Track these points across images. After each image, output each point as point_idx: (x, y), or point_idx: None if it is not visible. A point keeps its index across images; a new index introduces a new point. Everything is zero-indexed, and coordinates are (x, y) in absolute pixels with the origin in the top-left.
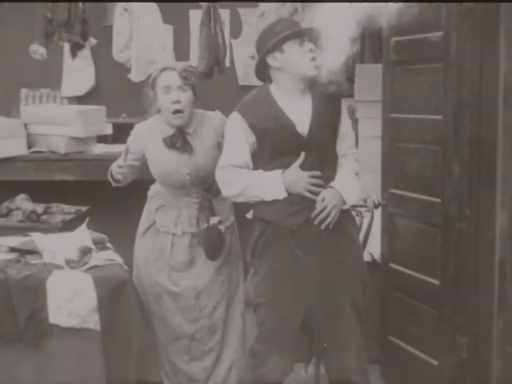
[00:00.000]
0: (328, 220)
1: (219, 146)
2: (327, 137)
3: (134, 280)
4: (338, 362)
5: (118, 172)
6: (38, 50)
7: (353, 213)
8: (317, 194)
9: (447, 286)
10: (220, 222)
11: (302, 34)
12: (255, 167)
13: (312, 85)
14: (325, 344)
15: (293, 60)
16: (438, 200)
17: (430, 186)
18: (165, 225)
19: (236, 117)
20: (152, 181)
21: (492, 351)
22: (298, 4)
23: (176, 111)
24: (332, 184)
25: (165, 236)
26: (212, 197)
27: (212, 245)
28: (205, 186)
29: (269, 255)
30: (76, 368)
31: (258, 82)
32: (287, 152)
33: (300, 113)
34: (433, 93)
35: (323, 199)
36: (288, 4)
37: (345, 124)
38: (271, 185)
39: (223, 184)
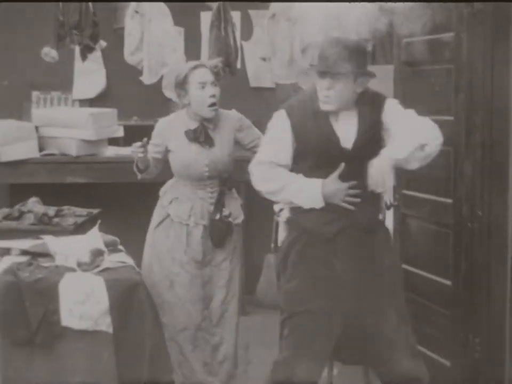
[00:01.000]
0: (381, 185)
1: (234, 142)
2: (370, 150)
3: (144, 273)
4: (393, 368)
5: (136, 151)
6: (50, 53)
7: None
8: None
9: (459, 286)
10: (230, 214)
11: None
12: (293, 170)
13: (359, 98)
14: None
15: None
16: (450, 200)
17: (442, 187)
18: (179, 216)
19: (282, 115)
20: (163, 183)
21: (505, 351)
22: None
23: (212, 104)
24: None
25: (179, 226)
26: (226, 190)
27: (219, 234)
28: (221, 180)
29: (305, 263)
30: (88, 370)
31: (269, 84)
32: (326, 163)
33: (346, 127)
34: (444, 93)
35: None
36: (298, 5)
37: (389, 126)
38: (310, 193)
39: (259, 179)
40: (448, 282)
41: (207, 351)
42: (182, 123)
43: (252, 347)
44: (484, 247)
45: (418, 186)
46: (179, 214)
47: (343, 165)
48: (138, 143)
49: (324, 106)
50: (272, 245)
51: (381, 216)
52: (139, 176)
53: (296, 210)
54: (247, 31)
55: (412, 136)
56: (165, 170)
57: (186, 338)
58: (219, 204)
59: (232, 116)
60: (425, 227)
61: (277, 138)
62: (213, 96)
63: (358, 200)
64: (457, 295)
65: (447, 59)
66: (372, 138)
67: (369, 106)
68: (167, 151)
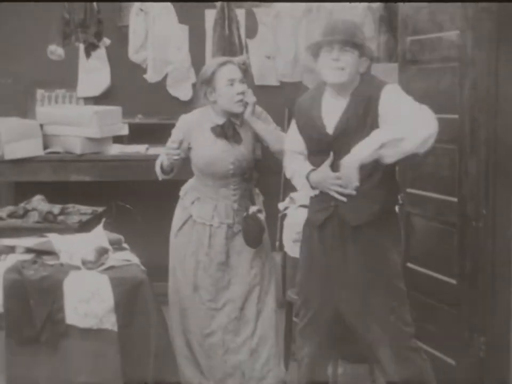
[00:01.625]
0: (352, 182)
1: (257, 138)
2: (357, 137)
3: (170, 278)
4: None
5: (172, 153)
6: (56, 51)
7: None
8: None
9: (464, 285)
10: (259, 211)
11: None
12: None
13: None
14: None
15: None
16: (455, 199)
17: (447, 186)
18: (202, 216)
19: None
20: (172, 181)
21: (510, 350)
22: (313, 3)
23: (240, 100)
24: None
25: (202, 228)
26: (251, 187)
27: (252, 232)
28: (245, 177)
29: (302, 249)
30: (93, 368)
31: (274, 82)
32: (320, 150)
33: (334, 115)
34: (449, 92)
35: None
36: (303, 4)
37: (384, 108)
38: (301, 179)
39: (284, 168)
40: (453, 281)
41: (242, 354)
42: (208, 119)
43: None
44: (488, 245)
45: (423, 184)
46: (202, 214)
47: (332, 154)
48: (175, 144)
49: (332, 78)
50: (277, 243)
51: (378, 212)
52: (161, 177)
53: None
54: (252, 29)
55: (385, 132)
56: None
57: (214, 343)
58: (244, 202)
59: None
60: (430, 225)
61: (291, 128)
62: (242, 93)
63: (352, 192)
64: (462, 294)
65: (452, 57)
66: (358, 126)
67: (363, 93)
68: (188, 148)
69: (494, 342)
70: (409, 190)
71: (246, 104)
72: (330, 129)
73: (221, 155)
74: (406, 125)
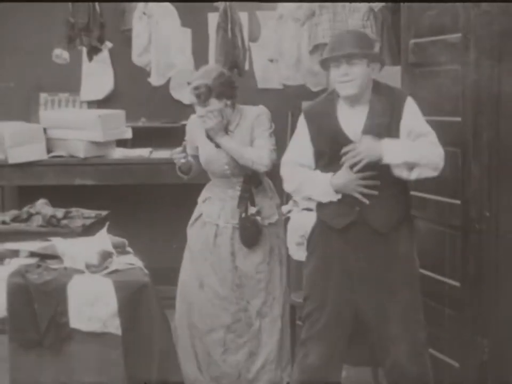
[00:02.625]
0: (354, 162)
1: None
2: None
3: (181, 270)
4: (392, 364)
5: (177, 157)
6: (62, 55)
7: None
8: (369, 196)
9: (467, 287)
10: (257, 213)
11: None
12: (316, 168)
13: (373, 92)
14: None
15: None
16: (458, 202)
17: (450, 188)
18: (210, 215)
19: (301, 117)
20: (175, 185)
21: None
22: (316, 6)
23: (202, 122)
24: (384, 140)
25: (209, 227)
26: (252, 188)
27: (247, 233)
28: (245, 178)
29: (318, 251)
30: (96, 372)
31: (277, 86)
32: (336, 161)
33: (355, 122)
34: (451, 95)
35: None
36: (305, 7)
37: (408, 123)
38: (323, 187)
39: (284, 179)
40: (457, 284)
41: (240, 355)
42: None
43: None
44: (492, 248)
45: (426, 187)
46: (209, 213)
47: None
48: (178, 149)
49: (344, 92)
50: None
51: (403, 219)
52: (185, 178)
53: (319, 204)
54: (255, 32)
55: (417, 149)
56: None
57: (215, 340)
58: (243, 202)
59: (252, 112)
60: (433, 228)
61: (297, 140)
62: (201, 117)
63: (374, 192)
64: (466, 296)
65: (454, 60)
66: (383, 133)
67: (383, 101)
68: (196, 147)
69: (497, 344)
70: (412, 193)
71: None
72: (353, 137)
73: (216, 155)
74: (426, 151)
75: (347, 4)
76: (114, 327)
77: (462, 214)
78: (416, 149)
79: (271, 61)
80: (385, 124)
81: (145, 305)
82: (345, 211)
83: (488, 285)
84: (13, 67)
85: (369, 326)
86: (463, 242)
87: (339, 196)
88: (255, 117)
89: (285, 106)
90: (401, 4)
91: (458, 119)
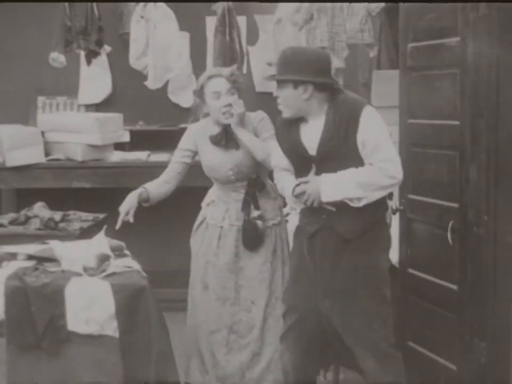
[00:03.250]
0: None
1: None
2: (340, 154)
3: (190, 275)
4: (361, 371)
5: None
6: (58, 59)
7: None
8: (331, 205)
9: (465, 291)
10: (259, 217)
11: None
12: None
13: (329, 106)
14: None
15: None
16: (456, 205)
17: (448, 192)
18: (214, 218)
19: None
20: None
21: (511, 356)
22: (314, 10)
23: (227, 112)
24: (323, 175)
25: (213, 229)
26: (256, 191)
27: (248, 236)
28: (249, 181)
29: (293, 257)
30: (94, 375)
31: (275, 89)
32: (304, 168)
33: (312, 136)
34: (450, 98)
35: (306, 187)
36: (303, 10)
37: (363, 135)
38: (289, 194)
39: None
40: (454, 287)
41: (244, 355)
42: (208, 129)
43: None
44: (489, 251)
45: (424, 191)
46: (214, 216)
47: (314, 167)
48: (121, 217)
49: (282, 114)
50: None
51: (370, 225)
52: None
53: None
54: (253, 36)
55: (354, 186)
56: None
57: (218, 341)
58: (246, 206)
59: (253, 118)
60: (431, 232)
61: (276, 145)
62: (228, 105)
63: (332, 208)
64: (463, 299)
65: (453, 64)
66: (340, 145)
67: (339, 113)
68: (197, 156)
69: (495, 347)
70: (410, 196)
71: (232, 116)
72: (312, 151)
73: (219, 162)
74: (368, 183)
75: (345, 8)
76: (112, 329)
77: (460, 218)
78: (358, 181)
79: (269, 64)
80: (341, 136)
81: (143, 308)
82: (314, 219)
83: (486, 288)
84: (11, 70)
85: (336, 333)
86: (461, 245)
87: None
88: (258, 121)
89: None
90: (400, 7)
91: (457, 122)
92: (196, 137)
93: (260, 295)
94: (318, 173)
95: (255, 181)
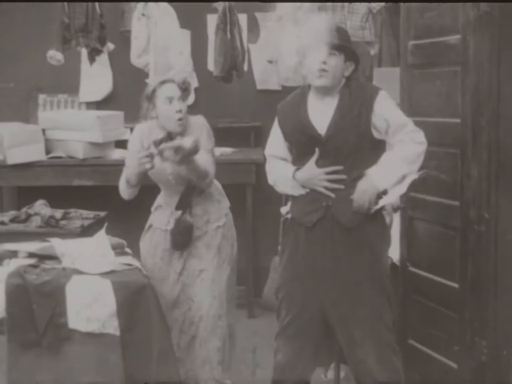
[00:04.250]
0: (365, 208)
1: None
2: (350, 136)
3: None
4: (359, 366)
5: (144, 162)
6: (55, 56)
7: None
8: (333, 190)
9: (466, 289)
10: (188, 216)
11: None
12: (292, 161)
13: (344, 86)
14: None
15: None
16: (457, 203)
17: (449, 190)
18: (160, 222)
19: (277, 113)
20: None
21: None
22: (315, 8)
23: (179, 119)
24: (368, 170)
25: (159, 233)
26: (192, 191)
27: (178, 235)
28: (190, 183)
29: (288, 250)
30: (95, 373)
31: (276, 87)
32: (309, 151)
33: (324, 114)
34: (451, 96)
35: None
36: (304, 8)
37: (384, 116)
38: (289, 181)
39: (267, 174)
40: (455, 285)
41: (181, 353)
42: (152, 132)
43: (259, 350)
44: (490, 249)
45: (425, 188)
46: (160, 220)
47: (317, 151)
48: (145, 152)
49: (318, 82)
50: (279, 247)
51: (371, 214)
52: (127, 192)
53: (292, 200)
54: (254, 34)
55: (399, 164)
56: None
57: (174, 339)
58: (181, 205)
59: (197, 122)
60: (432, 230)
61: (273, 134)
62: (180, 111)
63: (341, 186)
64: (464, 298)
65: (454, 61)
66: (352, 126)
67: (354, 95)
68: None
69: (496, 345)
70: (411, 194)
71: (184, 124)
72: (321, 130)
73: (160, 166)
74: (410, 158)
75: (346, 6)
76: (113, 327)
77: (461, 216)
78: (400, 158)
79: (270, 62)
80: (354, 117)
81: (143, 306)
82: (314, 207)
83: (486, 286)
84: (12, 68)
85: (336, 327)
86: (462, 243)
87: (306, 190)
88: (201, 126)
89: None
90: (401, 5)
91: (458, 120)
92: (142, 138)
93: (204, 295)
94: (320, 157)
95: (194, 186)
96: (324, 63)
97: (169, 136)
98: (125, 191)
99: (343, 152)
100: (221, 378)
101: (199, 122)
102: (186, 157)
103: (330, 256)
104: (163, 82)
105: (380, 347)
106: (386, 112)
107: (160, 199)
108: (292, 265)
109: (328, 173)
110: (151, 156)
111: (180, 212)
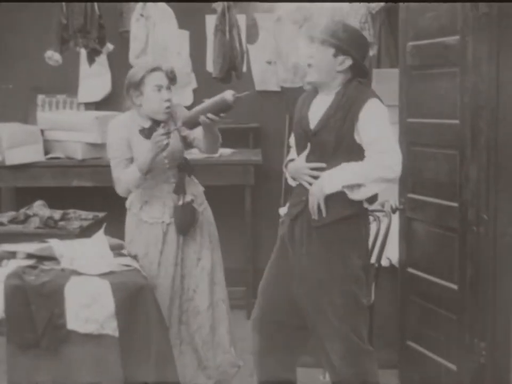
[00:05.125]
0: (313, 209)
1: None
2: (331, 136)
3: None
4: (325, 361)
5: (160, 139)
6: (53, 57)
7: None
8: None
9: (465, 290)
10: (193, 201)
11: None
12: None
13: (343, 87)
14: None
15: None
16: (456, 204)
17: (447, 191)
18: (153, 216)
19: None
20: None
21: (510, 356)
22: (314, 8)
23: (167, 108)
24: (322, 173)
25: (156, 227)
26: (186, 176)
27: (186, 220)
28: (180, 166)
29: (276, 246)
30: (93, 374)
31: (275, 87)
32: (304, 145)
33: (319, 110)
34: (449, 97)
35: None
36: (304, 9)
37: (364, 125)
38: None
39: None
40: (454, 286)
41: (194, 344)
42: (135, 122)
43: None
44: (489, 251)
45: (424, 190)
46: (152, 214)
47: (309, 145)
48: (162, 131)
49: (307, 77)
50: None
51: (341, 216)
52: (138, 183)
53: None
54: (253, 35)
55: (354, 172)
56: None
57: (173, 334)
58: (179, 190)
59: (179, 107)
60: (430, 231)
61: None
62: (168, 100)
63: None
64: (463, 299)
65: (453, 62)
66: (336, 126)
67: (347, 97)
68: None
69: (494, 347)
70: (410, 195)
71: (170, 112)
72: (313, 125)
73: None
74: (369, 171)
75: (345, 6)
76: (112, 328)
77: (460, 217)
78: (356, 170)
79: (269, 63)
80: (338, 119)
81: (142, 307)
82: (297, 201)
83: (485, 287)
84: (11, 68)
85: (308, 320)
86: (461, 245)
87: (296, 182)
88: (182, 111)
89: (283, 108)
90: (400, 5)
91: (456, 121)
92: (125, 130)
93: (201, 282)
94: (310, 152)
95: (185, 165)
96: (311, 57)
97: (157, 124)
98: (136, 181)
99: (327, 150)
100: (235, 360)
101: (179, 109)
102: (227, 110)
103: (304, 251)
104: (152, 70)
105: (347, 347)
106: (367, 123)
107: (142, 196)
108: (275, 259)
109: (312, 169)
110: (167, 134)
111: (177, 197)
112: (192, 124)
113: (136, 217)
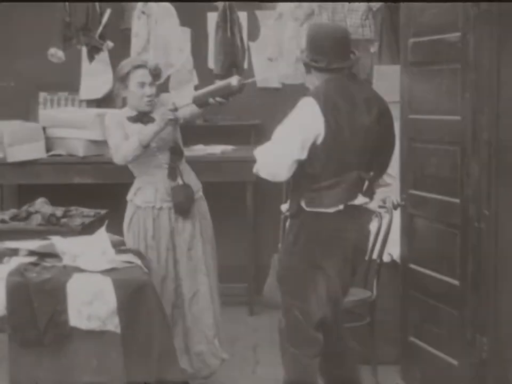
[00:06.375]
0: None
1: None
2: None
3: None
4: None
5: (167, 113)
6: (56, 54)
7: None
8: None
9: (466, 286)
10: (185, 184)
11: None
12: None
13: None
14: None
15: None
16: (457, 200)
17: (449, 187)
18: (146, 201)
19: None
20: None
21: None
22: (314, 5)
23: (149, 101)
24: None
25: (147, 212)
26: (178, 159)
27: (186, 200)
28: (171, 150)
29: None
30: (96, 370)
31: (276, 84)
32: None
33: None
34: (451, 93)
35: None
36: (304, 6)
37: None
38: None
39: None
40: (456, 282)
41: (184, 329)
42: (127, 113)
43: (260, 347)
44: (491, 246)
45: (425, 186)
46: (145, 199)
47: None
48: (170, 106)
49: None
50: (279, 245)
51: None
52: (136, 154)
53: None
54: (254, 32)
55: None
56: None
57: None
58: (173, 172)
59: (164, 97)
60: (432, 227)
61: None
62: (149, 96)
63: None
64: (465, 295)
65: (454, 59)
66: None
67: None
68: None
69: (496, 342)
70: (411, 192)
71: (152, 104)
72: None
73: None
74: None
75: (346, 4)
76: (114, 325)
77: (461, 213)
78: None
79: (270, 60)
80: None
81: (144, 303)
82: None
83: (487, 283)
84: (12, 66)
85: None
86: (462, 240)
87: None
88: (167, 99)
89: (284, 105)
90: (401, 3)
91: (458, 117)
92: (120, 121)
93: (189, 271)
94: None
95: (175, 148)
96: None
97: (143, 114)
98: (135, 150)
99: None
100: (218, 352)
101: (165, 98)
102: (233, 94)
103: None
104: (137, 67)
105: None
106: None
107: (136, 184)
108: None
109: None
110: (175, 109)
111: (174, 178)
112: (201, 102)
113: (132, 203)
